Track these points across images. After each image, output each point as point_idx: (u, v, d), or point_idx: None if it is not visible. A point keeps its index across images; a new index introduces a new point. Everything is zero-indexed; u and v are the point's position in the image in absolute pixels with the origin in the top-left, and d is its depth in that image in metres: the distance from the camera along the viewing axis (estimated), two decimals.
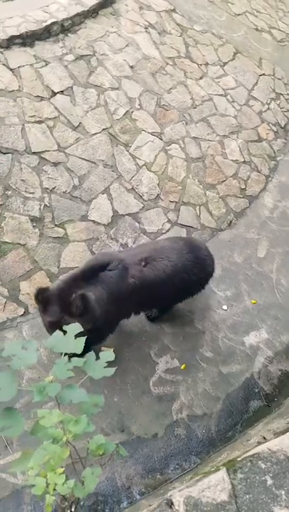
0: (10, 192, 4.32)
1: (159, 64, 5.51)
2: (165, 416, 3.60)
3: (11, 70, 4.67)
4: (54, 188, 4.47)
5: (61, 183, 4.51)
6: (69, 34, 5.11)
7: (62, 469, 1.80)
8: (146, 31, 5.62)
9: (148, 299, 3.63)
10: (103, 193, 4.64)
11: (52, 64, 4.86)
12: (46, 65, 4.84)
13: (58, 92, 4.77)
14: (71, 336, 2.03)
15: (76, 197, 4.54)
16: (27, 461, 1.88)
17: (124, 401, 3.61)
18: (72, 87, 4.86)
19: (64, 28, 5.07)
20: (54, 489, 1.81)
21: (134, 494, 3.32)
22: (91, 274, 3.32)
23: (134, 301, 3.56)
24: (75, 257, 4.32)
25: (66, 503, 1.97)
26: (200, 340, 4.06)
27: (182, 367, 3.87)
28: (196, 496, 1.69)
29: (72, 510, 1.99)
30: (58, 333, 2.08)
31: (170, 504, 1.71)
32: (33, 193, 4.39)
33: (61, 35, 5.05)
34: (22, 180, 4.37)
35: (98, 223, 4.54)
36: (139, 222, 4.68)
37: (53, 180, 4.48)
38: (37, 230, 4.33)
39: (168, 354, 3.95)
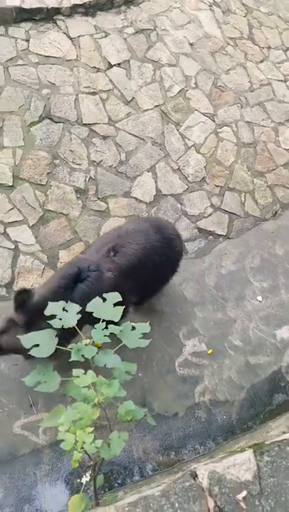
0: (58, 161, 4.37)
1: (220, 43, 5.36)
2: (187, 397, 3.61)
3: (70, 39, 4.68)
4: (101, 162, 4.49)
5: (108, 156, 4.52)
6: (131, 6, 5.04)
7: (91, 429, 1.86)
8: (210, 9, 5.47)
9: (128, 288, 3.35)
10: (148, 171, 4.62)
11: (111, 36, 4.83)
12: (106, 36, 4.82)
13: (114, 65, 4.75)
14: (110, 304, 2.08)
15: (121, 172, 4.54)
16: (57, 417, 1.96)
17: (148, 377, 3.64)
18: (129, 61, 4.82)
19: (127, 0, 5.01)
20: (82, 447, 1.86)
21: (147, 469, 3.38)
22: (65, 290, 3.07)
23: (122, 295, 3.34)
24: None
25: (91, 462, 2.04)
26: (230, 328, 4.02)
27: (209, 352, 3.86)
28: (220, 472, 1.71)
29: (96, 470, 2.05)
30: (98, 299, 2.14)
31: (194, 476, 1.73)
32: (80, 164, 4.43)
33: (124, 7, 4.99)
34: (71, 150, 4.41)
35: (140, 201, 4.53)
36: (181, 204, 4.64)
37: (100, 153, 4.50)
38: (80, 201, 4.37)
39: (196, 337, 3.94)
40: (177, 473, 3.15)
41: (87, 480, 3.23)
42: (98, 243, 3.48)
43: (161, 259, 3.48)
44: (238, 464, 1.73)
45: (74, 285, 3.05)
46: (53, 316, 2.13)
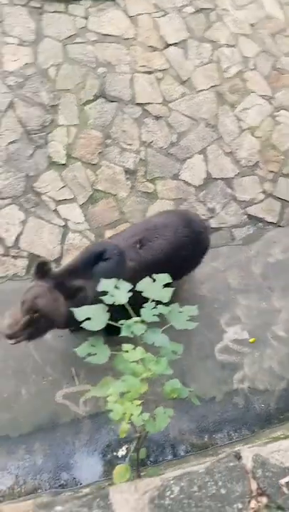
0: (109, 141, 4.40)
1: (281, 25, 5.14)
2: (226, 383, 3.61)
3: (129, 17, 4.64)
4: (151, 143, 4.48)
5: (159, 137, 4.50)
6: None
7: (139, 401, 1.94)
8: None
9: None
10: (200, 154, 4.56)
11: (170, 15, 4.75)
12: (164, 15, 4.74)
13: (171, 44, 4.68)
14: (160, 284, 2.13)
15: (171, 154, 4.51)
16: (106, 388, 2.05)
17: (188, 360, 3.67)
18: (186, 40, 4.73)
19: None
20: (129, 418, 1.94)
21: (180, 450, 3.43)
22: (85, 266, 3.10)
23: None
24: None
25: (137, 434, 2.12)
26: (275, 318, 3.95)
27: (251, 340, 3.82)
28: (264, 456, 1.72)
29: (140, 442, 2.14)
30: (148, 278, 2.19)
31: (238, 457, 1.76)
32: (130, 144, 4.44)
33: None
34: (123, 130, 4.42)
35: (189, 184, 4.50)
36: (231, 189, 4.56)
37: (151, 133, 4.48)
38: (129, 182, 4.40)
39: (238, 325, 3.91)
40: (211, 456, 3.20)
41: (123, 453, 3.35)
42: (126, 233, 3.47)
43: (188, 253, 3.45)
44: (282, 450, 1.74)
45: (95, 263, 3.08)
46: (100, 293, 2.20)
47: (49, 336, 3.68)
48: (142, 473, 2.41)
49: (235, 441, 3.48)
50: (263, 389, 3.65)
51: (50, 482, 3.21)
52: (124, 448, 3.36)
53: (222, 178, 4.56)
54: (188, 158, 4.53)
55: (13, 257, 4.08)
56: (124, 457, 3.35)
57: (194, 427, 3.45)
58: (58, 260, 4.13)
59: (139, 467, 2.37)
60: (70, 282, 2.98)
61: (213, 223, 4.46)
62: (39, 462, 3.24)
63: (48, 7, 4.55)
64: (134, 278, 3.19)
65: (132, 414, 1.95)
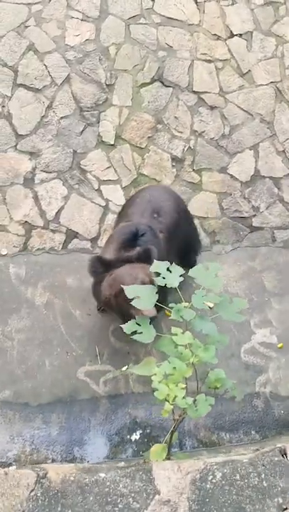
0: (161, 126, 4.35)
1: None
2: (248, 384, 3.57)
3: (196, 2, 4.56)
4: (203, 132, 4.41)
5: (211, 128, 4.43)
6: None
7: (184, 385, 1.99)
8: None
9: (176, 248, 3.47)
10: (250, 149, 4.46)
11: (239, 4, 4.63)
12: (233, 4, 4.64)
13: (236, 35, 4.57)
14: (212, 273, 2.15)
15: (222, 146, 4.43)
16: (148, 368, 2.10)
17: None
18: (252, 32, 4.61)
19: None
20: (174, 400, 2.01)
21: (193, 444, 3.42)
22: (128, 244, 3.13)
23: (169, 256, 3.22)
24: (202, 207, 4.28)
25: (176, 416, 2.18)
26: None
27: (279, 345, 3.75)
28: None
29: (176, 426, 2.19)
30: (200, 266, 2.22)
31: (283, 453, 1.77)
32: (181, 132, 4.38)
33: None
34: (175, 117, 4.37)
35: (236, 179, 4.41)
36: (279, 189, 4.45)
37: (204, 123, 4.41)
38: (175, 170, 4.35)
39: (268, 328, 3.84)
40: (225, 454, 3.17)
41: (137, 438, 3.37)
42: (135, 209, 3.50)
43: (189, 213, 3.83)
44: None
45: (134, 242, 3.13)
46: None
47: (77, 312, 3.73)
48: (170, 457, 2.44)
49: (249, 443, 3.45)
50: (284, 395, 3.59)
51: (62, 454, 3.28)
52: (137, 433, 3.39)
53: (270, 177, 4.45)
54: (239, 152, 4.44)
55: (52, 230, 4.13)
56: (136, 442, 3.37)
57: (210, 423, 3.44)
58: (94, 239, 4.15)
59: (170, 449, 2.43)
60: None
61: (255, 222, 4.37)
62: (54, 433, 3.32)
63: None
64: (166, 248, 3.29)
65: (176, 396, 2.00)
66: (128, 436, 3.38)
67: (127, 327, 2.21)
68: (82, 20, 4.38)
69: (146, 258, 2.86)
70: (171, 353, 2.12)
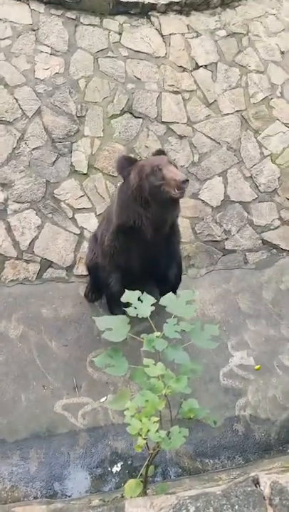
0: (132, 155, 4.43)
1: None
2: (227, 408, 3.57)
3: (162, 36, 4.72)
4: (174, 161, 4.47)
5: (181, 156, 4.53)
6: (227, 9, 5.00)
7: (157, 418, 1.95)
8: None
9: None
10: (219, 176, 4.58)
11: (203, 36, 4.82)
12: (197, 36, 4.82)
13: (201, 66, 4.74)
14: (183, 301, 2.15)
15: (192, 173, 4.54)
16: (123, 401, 2.06)
17: (191, 382, 3.60)
18: (216, 63, 4.79)
19: (224, 1, 4.97)
20: (146, 434, 1.96)
21: (171, 472, 3.37)
22: None
23: None
24: None
25: (151, 451, 2.13)
26: (282, 346, 3.91)
27: (257, 367, 3.78)
28: (283, 484, 1.70)
29: (151, 459, 2.14)
30: (171, 295, 2.22)
31: (256, 483, 1.75)
32: None
33: (219, 9, 4.96)
34: (146, 146, 4.46)
35: (207, 204, 4.51)
36: (248, 213, 4.57)
37: (174, 152, 4.52)
38: None
39: (245, 350, 3.87)
40: (206, 481, 3.14)
41: (118, 470, 3.30)
42: None
43: None
44: None
45: None
46: None
47: (53, 344, 3.68)
48: (147, 490, 2.39)
49: (233, 467, 3.42)
50: (264, 418, 3.59)
51: (42, 491, 3.17)
52: (119, 465, 3.32)
53: (240, 202, 4.57)
54: (209, 179, 4.55)
55: (26, 261, 4.10)
56: (117, 474, 3.30)
57: (192, 450, 3.40)
58: (70, 268, 4.15)
59: (146, 483, 2.36)
60: None
61: (227, 245, 4.46)
62: (33, 470, 3.21)
63: (83, 19, 4.65)
64: None
65: (148, 430, 1.96)
66: (109, 469, 3.30)
67: (98, 360, 2.19)
68: (51, 54, 4.47)
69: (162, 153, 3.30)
70: (144, 385, 2.10)
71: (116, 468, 3.29)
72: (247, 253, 4.50)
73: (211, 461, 3.43)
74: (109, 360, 2.15)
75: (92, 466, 3.28)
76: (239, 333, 3.98)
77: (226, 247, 4.47)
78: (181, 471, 3.38)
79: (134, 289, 3.49)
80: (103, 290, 3.76)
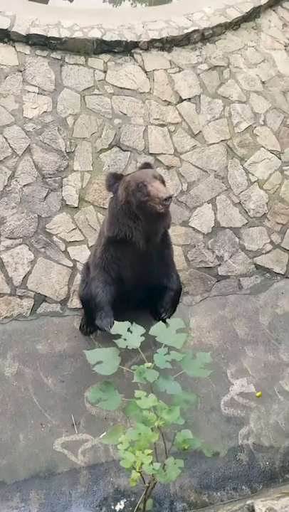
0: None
1: None
2: (230, 438, 3.51)
3: (145, 72, 4.87)
4: (159, 175, 4.55)
5: (170, 186, 4.60)
6: (207, 43, 5.18)
7: (150, 451, 1.93)
8: (285, 49, 5.50)
9: None
10: (208, 203, 4.65)
11: (185, 71, 4.98)
12: (180, 71, 4.97)
13: (185, 99, 4.88)
14: (173, 330, 2.15)
15: (181, 202, 4.60)
16: (116, 436, 2.03)
17: (192, 412, 3.57)
18: (200, 96, 4.93)
19: (204, 37, 5.14)
20: (140, 467, 1.94)
21: (178, 508, 3.28)
22: None
23: None
24: None
25: (146, 484, 2.10)
26: (282, 371, 3.89)
27: (258, 394, 3.75)
28: (278, 510, 1.67)
29: (148, 493, 2.10)
30: (161, 324, 2.22)
31: (251, 510, 1.71)
32: None
33: (199, 44, 5.13)
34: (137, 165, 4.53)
35: (198, 231, 4.56)
36: (239, 238, 4.61)
37: None
38: None
39: (245, 378, 3.84)
40: None
41: (121, 508, 3.21)
42: None
43: None
44: None
45: None
46: None
47: (50, 380, 3.63)
48: None
49: (238, 499, 3.34)
50: (268, 445, 3.54)
51: None
52: (122, 502, 3.24)
53: (230, 228, 4.62)
54: (198, 206, 4.62)
55: (19, 296, 4.09)
56: (121, 511, 3.21)
57: (196, 483, 3.33)
58: (64, 301, 4.13)
59: None
60: None
61: (221, 271, 4.48)
62: (34, 511, 3.12)
63: (68, 59, 4.79)
64: None
65: (142, 463, 1.93)
66: (112, 507, 3.22)
67: (91, 396, 2.17)
68: (38, 93, 4.59)
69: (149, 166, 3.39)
70: (137, 418, 2.08)
71: (119, 506, 3.21)
72: (241, 278, 4.51)
73: (216, 493, 3.36)
74: (101, 395, 2.13)
75: (95, 504, 3.20)
76: (238, 360, 3.95)
77: (220, 273, 4.48)
78: (186, 506, 3.30)
79: (125, 305, 3.50)
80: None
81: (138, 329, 2.21)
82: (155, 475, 2.01)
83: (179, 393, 2.15)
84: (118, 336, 2.24)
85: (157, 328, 2.25)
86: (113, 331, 2.25)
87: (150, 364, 2.14)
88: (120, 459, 3.24)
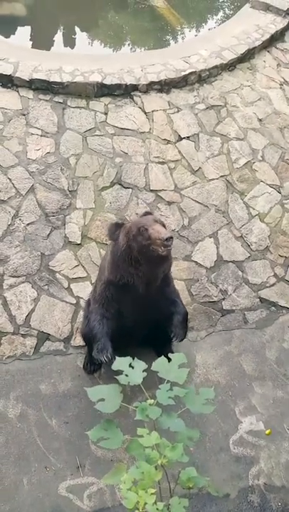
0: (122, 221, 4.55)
1: None
2: (240, 478, 3.39)
3: (145, 113, 5.02)
4: (159, 219, 4.60)
5: (171, 221, 4.66)
6: (204, 84, 5.36)
7: (154, 490, 1.86)
8: (280, 87, 5.69)
9: None
10: (210, 237, 4.68)
11: (183, 111, 5.13)
12: (178, 111, 5.13)
13: (184, 138, 5.00)
14: (175, 365, 2.12)
15: (183, 236, 4.64)
16: (119, 475, 1.97)
17: (200, 453, 3.47)
18: (198, 134, 5.06)
19: (201, 78, 5.34)
20: (144, 507, 1.87)
21: None
22: None
23: None
24: None
25: None
26: None
27: (267, 432, 3.64)
28: None
29: None
30: (163, 359, 2.19)
31: None
32: None
33: (196, 85, 5.32)
34: (136, 214, 4.59)
35: (201, 265, 4.57)
36: (242, 271, 4.61)
37: (164, 217, 4.64)
38: None
39: (254, 415, 3.74)
40: None
41: None
42: None
43: None
44: None
45: None
46: None
47: (54, 421, 3.55)
48: None
49: None
50: (280, 485, 3.41)
51: None
52: None
53: (233, 261, 4.63)
54: (200, 240, 4.65)
55: (23, 335, 4.06)
56: None
57: None
58: (67, 339, 4.10)
59: None
60: None
61: (225, 305, 4.45)
62: None
63: (70, 102, 4.96)
64: None
65: (146, 503, 1.86)
66: None
67: (92, 434, 2.11)
68: (41, 136, 4.72)
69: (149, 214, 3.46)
70: (140, 457, 2.02)
71: None
72: (246, 312, 4.48)
73: None
74: (103, 433, 2.08)
75: None
76: (246, 397, 3.86)
77: (224, 307, 4.46)
78: None
79: (127, 342, 3.45)
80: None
81: (140, 365, 2.18)
82: None
83: (182, 430, 2.09)
84: (120, 372, 2.21)
85: (159, 363, 2.23)
86: (114, 366, 2.22)
87: (152, 401, 2.10)
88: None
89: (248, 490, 3.36)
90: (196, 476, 2.07)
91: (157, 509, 1.89)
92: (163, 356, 2.33)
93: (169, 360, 2.25)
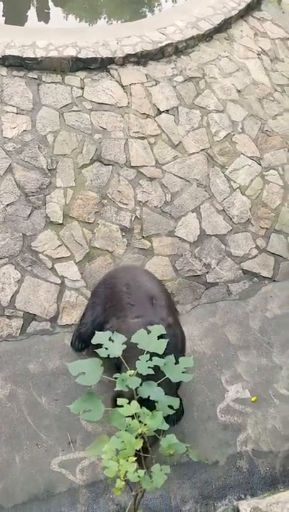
0: (106, 201, 4.52)
1: (268, 90, 5.47)
2: (229, 445, 3.49)
3: (122, 87, 4.92)
4: (146, 202, 4.60)
5: (154, 197, 4.64)
6: (181, 56, 5.26)
7: (134, 458, 1.91)
8: (258, 57, 5.62)
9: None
10: (193, 212, 4.69)
11: (161, 84, 5.04)
12: (156, 84, 5.04)
13: (163, 111, 4.93)
14: (154, 336, 2.15)
15: (166, 212, 4.63)
16: (101, 446, 2.01)
17: (189, 422, 3.56)
18: (177, 107, 5.00)
19: (178, 49, 5.23)
20: (125, 475, 1.91)
21: None
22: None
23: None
24: (157, 271, 4.38)
25: (133, 492, 2.07)
26: (276, 375, 3.89)
27: (253, 399, 3.74)
28: (263, 509, 1.67)
29: (137, 502, 2.07)
30: (143, 331, 2.22)
31: (236, 511, 1.71)
32: (126, 204, 4.56)
33: (174, 57, 5.22)
34: (118, 191, 4.56)
35: (184, 240, 4.58)
36: (225, 245, 4.65)
37: (146, 194, 4.62)
38: (125, 239, 4.47)
39: (240, 383, 3.83)
40: None
41: None
42: (131, 300, 3.49)
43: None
44: (281, 502, 1.69)
45: None
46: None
47: (43, 399, 3.59)
48: None
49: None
50: (267, 451, 3.53)
51: None
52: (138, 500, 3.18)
53: (216, 235, 4.65)
54: (183, 216, 4.65)
55: (8, 316, 4.06)
56: None
57: (197, 493, 3.29)
58: (53, 319, 4.11)
59: None
60: None
61: (209, 278, 4.50)
62: None
63: (45, 78, 4.82)
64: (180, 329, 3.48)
65: (127, 471, 1.91)
66: None
67: (74, 407, 2.15)
68: (16, 113, 4.60)
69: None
70: (122, 427, 2.06)
71: None
72: (229, 284, 4.54)
73: (218, 503, 3.31)
74: (84, 406, 2.12)
75: None
76: (231, 366, 3.95)
77: (208, 281, 4.50)
78: None
79: None
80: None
81: (119, 338, 2.22)
82: (141, 482, 1.99)
83: (162, 399, 2.14)
84: (100, 346, 2.24)
85: (138, 335, 2.26)
86: (94, 340, 2.26)
87: (132, 371, 2.14)
88: None
89: (236, 456, 3.47)
90: (176, 442, 2.12)
91: (138, 476, 1.93)
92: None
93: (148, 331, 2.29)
